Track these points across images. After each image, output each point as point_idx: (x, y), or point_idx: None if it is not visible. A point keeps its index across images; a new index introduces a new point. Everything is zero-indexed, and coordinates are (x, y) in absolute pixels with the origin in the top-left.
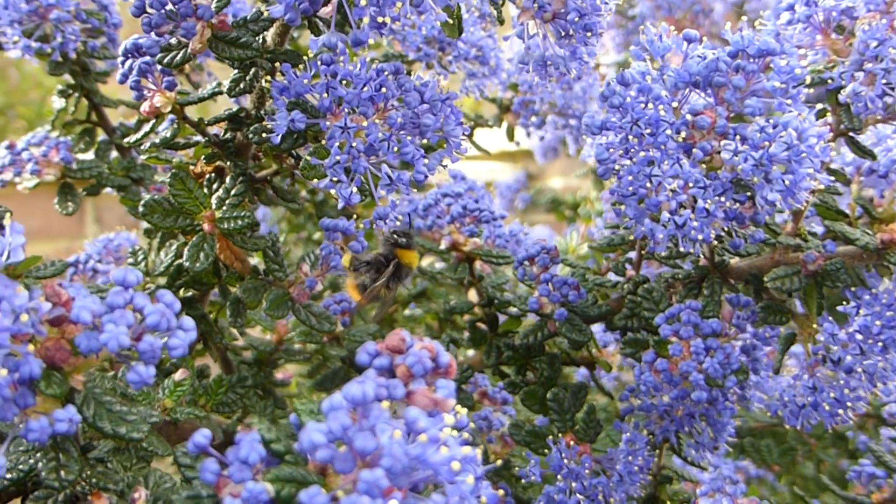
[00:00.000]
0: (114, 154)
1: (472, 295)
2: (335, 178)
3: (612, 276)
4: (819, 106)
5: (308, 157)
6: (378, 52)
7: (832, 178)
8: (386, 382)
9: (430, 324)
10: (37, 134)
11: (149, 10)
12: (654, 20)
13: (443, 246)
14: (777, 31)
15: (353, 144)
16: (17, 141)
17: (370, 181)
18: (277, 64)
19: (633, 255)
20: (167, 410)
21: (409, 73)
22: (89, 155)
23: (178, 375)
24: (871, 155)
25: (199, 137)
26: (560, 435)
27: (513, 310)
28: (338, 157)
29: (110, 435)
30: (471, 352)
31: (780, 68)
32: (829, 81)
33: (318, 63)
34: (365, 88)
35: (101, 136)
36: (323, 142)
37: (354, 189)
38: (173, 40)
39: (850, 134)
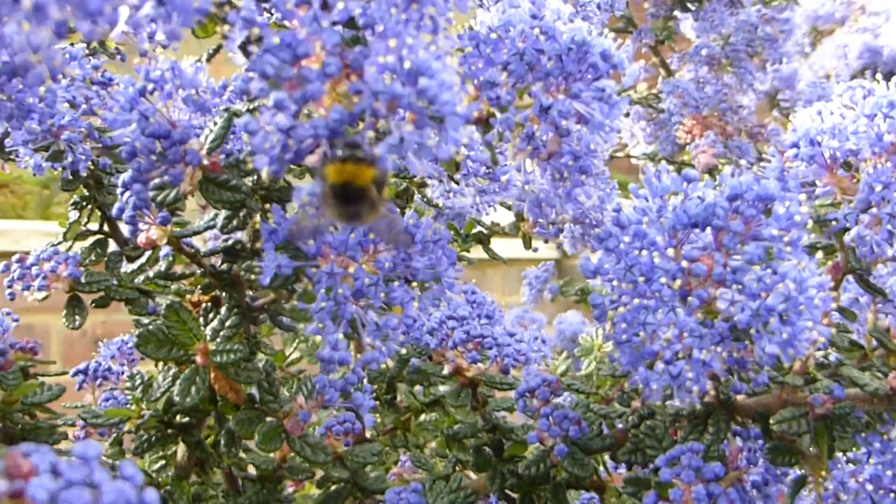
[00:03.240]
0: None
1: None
2: (321, 324)
3: (617, 405)
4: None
5: (295, 301)
6: None
7: (833, 328)
8: None
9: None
10: (47, 248)
11: (138, 156)
12: (681, 116)
13: (446, 371)
14: (781, 168)
15: (340, 290)
16: (27, 255)
17: (358, 326)
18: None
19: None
20: None
21: (409, 198)
22: (100, 268)
23: None
24: (881, 293)
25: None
26: None
27: (517, 436)
28: (323, 304)
29: None
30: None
31: (778, 215)
32: (835, 222)
33: (306, 207)
34: (353, 234)
35: (112, 246)
36: (311, 286)
37: (341, 336)
38: (166, 178)
39: (859, 272)
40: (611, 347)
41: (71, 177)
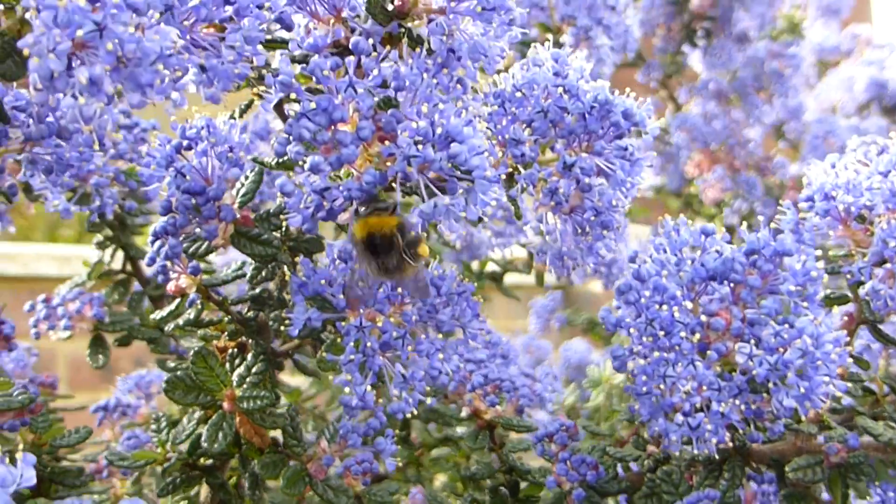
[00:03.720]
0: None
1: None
2: (349, 376)
3: (633, 448)
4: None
5: (324, 353)
6: None
7: (849, 383)
8: None
9: (453, 483)
10: (72, 289)
11: (174, 211)
12: (689, 150)
13: (464, 413)
14: (796, 221)
15: (368, 344)
16: (52, 295)
17: (385, 378)
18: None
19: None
20: None
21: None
22: (123, 307)
23: None
24: (893, 343)
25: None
26: None
27: (533, 478)
28: (352, 356)
29: None
30: None
31: (795, 271)
32: (849, 276)
33: (336, 261)
34: (381, 288)
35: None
36: (339, 338)
37: (369, 387)
38: (198, 230)
39: (873, 322)
40: (630, 397)
41: (98, 219)
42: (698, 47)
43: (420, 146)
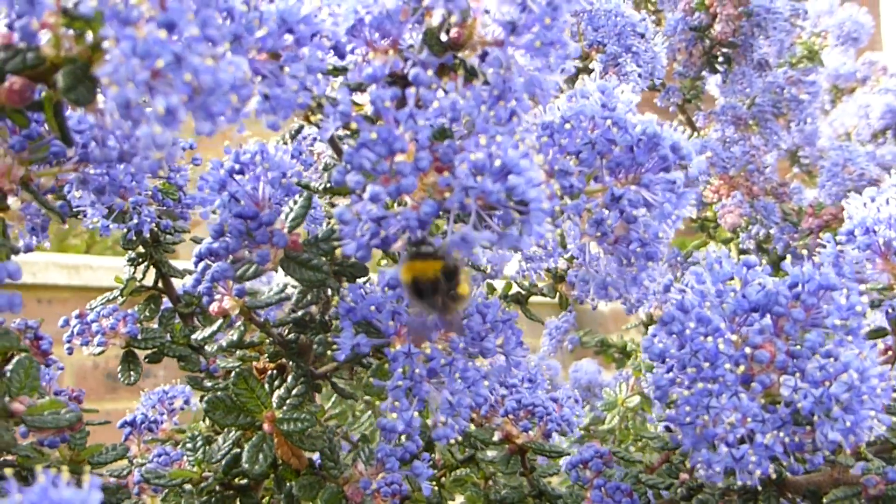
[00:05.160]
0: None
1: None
2: (396, 402)
3: (666, 476)
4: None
5: (370, 378)
6: None
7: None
8: None
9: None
10: (106, 305)
11: (226, 235)
12: (708, 175)
13: (495, 438)
14: (836, 254)
15: (417, 370)
16: (86, 310)
17: (430, 405)
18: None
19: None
20: None
21: None
22: (153, 323)
23: None
24: None
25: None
26: None
27: (564, 503)
28: (400, 382)
29: None
30: None
31: (839, 305)
32: (890, 311)
33: (385, 289)
34: (430, 316)
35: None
36: (385, 363)
37: (416, 413)
38: (248, 253)
39: None
40: (644, 421)
41: (135, 237)
42: (719, 73)
43: (479, 178)
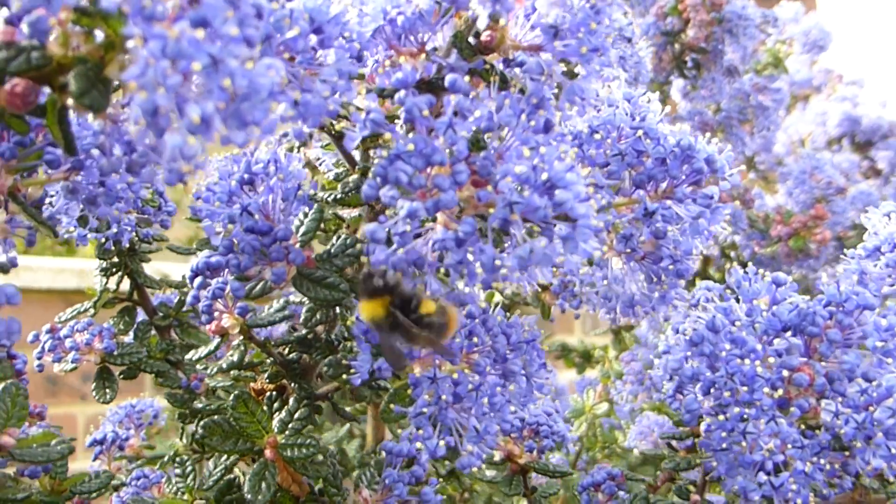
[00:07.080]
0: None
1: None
2: (420, 429)
3: (676, 497)
4: None
5: (391, 405)
6: None
7: None
8: None
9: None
10: (79, 319)
11: (238, 253)
12: None
13: (497, 457)
14: (862, 270)
15: (443, 396)
16: (56, 324)
17: (455, 433)
18: None
19: (695, 475)
20: None
21: None
22: (128, 336)
23: None
24: None
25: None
26: None
27: None
28: (424, 409)
29: None
30: None
31: (879, 326)
32: None
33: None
34: (457, 339)
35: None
36: (407, 388)
37: (442, 443)
38: (268, 275)
39: None
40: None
41: (112, 247)
42: (688, 78)
43: (525, 192)
